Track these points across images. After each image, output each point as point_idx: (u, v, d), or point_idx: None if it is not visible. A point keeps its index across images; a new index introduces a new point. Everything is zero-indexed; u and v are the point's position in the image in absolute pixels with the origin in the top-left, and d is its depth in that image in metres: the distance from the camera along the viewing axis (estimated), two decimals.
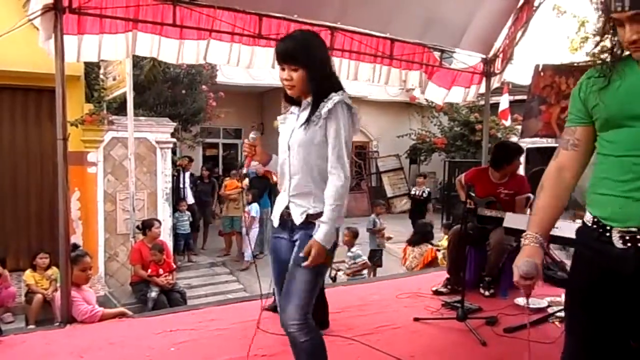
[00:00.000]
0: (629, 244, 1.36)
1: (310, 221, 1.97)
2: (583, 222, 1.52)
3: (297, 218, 1.99)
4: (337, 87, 2.00)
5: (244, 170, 2.22)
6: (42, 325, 4.44)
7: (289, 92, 2.00)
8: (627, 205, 1.37)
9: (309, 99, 1.98)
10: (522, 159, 6.90)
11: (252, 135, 2.11)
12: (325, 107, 1.92)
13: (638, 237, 1.35)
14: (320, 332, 2.06)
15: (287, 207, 2.03)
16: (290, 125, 2.06)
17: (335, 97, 1.93)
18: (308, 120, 1.95)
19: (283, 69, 1.97)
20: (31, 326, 4.98)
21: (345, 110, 1.95)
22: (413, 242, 6.46)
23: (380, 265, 7.71)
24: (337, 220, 1.94)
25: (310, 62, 1.93)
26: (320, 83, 1.96)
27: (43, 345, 2.91)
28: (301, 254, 1.93)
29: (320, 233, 1.90)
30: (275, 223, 2.10)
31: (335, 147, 1.93)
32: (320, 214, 1.94)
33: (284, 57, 1.96)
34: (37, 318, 5.33)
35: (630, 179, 1.37)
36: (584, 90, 1.52)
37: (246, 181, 9.41)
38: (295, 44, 1.98)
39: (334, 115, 1.92)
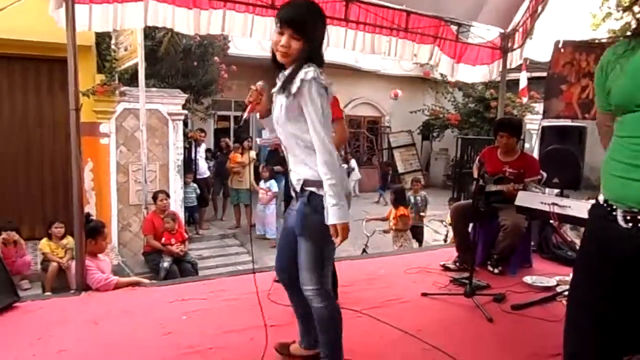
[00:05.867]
0: (630, 224, 1.39)
1: (304, 188, 2.02)
2: (596, 200, 1.53)
3: (296, 185, 2.06)
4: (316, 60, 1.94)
5: (244, 116, 2.15)
6: (58, 292, 4.55)
7: (281, 58, 1.94)
8: (627, 186, 1.40)
9: (287, 72, 1.95)
10: (536, 137, 6.81)
11: (260, 83, 2.04)
12: (293, 84, 1.88)
13: (639, 217, 1.37)
14: (335, 306, 2.15)
15: (290, 178, 2.12)
16: (276, 100, 2.05)
17: (302, 73, 1.87)
18: (282, 96, 1.94)
19: (282, 34, 1.90)
20: (47, 293, 5.11)
21: (312, 87, 1.86)
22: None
23: (419, 240, 7.66)
24: (341, 194, 1.88)
25: (313, 37, 1.92)
26: (307, 59, 1.91)
27: (59, 312, 3.00)
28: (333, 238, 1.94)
29: (331, 215, 1.87)
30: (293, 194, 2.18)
31: (312, 128, 1.89)
32: (314, 182, 1.96)
33: (290, 23, 1.88)
34: (53, 286, 5.45)
35: (631, 160, 1.39)
36: (604, 76, 1.52)
37: (253, 154, 9.36)
38: (305, 14, 1.91)
39: (303, 94, 1.87)
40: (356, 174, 13.34)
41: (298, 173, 2.04)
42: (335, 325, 2.13)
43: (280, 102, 1.99)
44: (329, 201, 1.87)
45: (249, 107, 2.09)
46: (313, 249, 2.02)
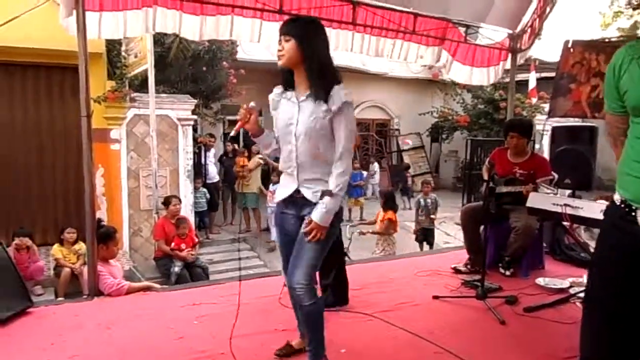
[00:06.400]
0: None
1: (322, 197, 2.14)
2: (612, 200, 1.51)
3: (312, 197, 2.14)
4: (335, 77, 2.12)
5: (232, 134, 2.29)
6: (71, 297, 4.59)
7: (278, 62, 2.12)
8: None
9: (310, 91, 2.09)
10: (547, 138, 6.75)
11: (252, 104, 2.21)
12: (334, 104, 2.05)
13: None
14: (322, 302, 2.31)
15: (298, 191, 2.18)
16: (289, 112, 2.16)
17: (341, 94, 2.06)
18: (314, 112, 2.08)
19: (279, 43, 2.11)
20: (60, 299, 5.15)
21: (350, 108, 2.10)
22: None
23: (429, 243, 7.63)
24: (338, 205, 2.13)
25: (303, 35, 2.07)
26: (317, 59, 2.07)
27: (72, 317, 3.02)
28: (305, 230, 2.12)
29: (317, 215, 2.08)
30: (280, 199, 2.27)
31: (343, 142, 2.09)
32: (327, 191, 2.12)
33: (281, 31, 2.12)
34: (66, 291, 5.50)
35: None
36: (617, 76, 1.48)
37: (257, 159, 9.38)
38: (293, 19, 2.22)
39: (343, 113, 2.07)
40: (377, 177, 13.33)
41: (313, 188, 2.14)
42: (321, 319, 2.23)
43: (307, 116, 2.09)
44: (325, 205, 2.08)
45: (237, 124, 2.22)
46: (319, 249, 2.13)
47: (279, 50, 2.11)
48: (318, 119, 2.07)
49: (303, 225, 2.14)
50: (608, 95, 1.55)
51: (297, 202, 2.20)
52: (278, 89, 2.25)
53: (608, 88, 1.54)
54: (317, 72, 2.07)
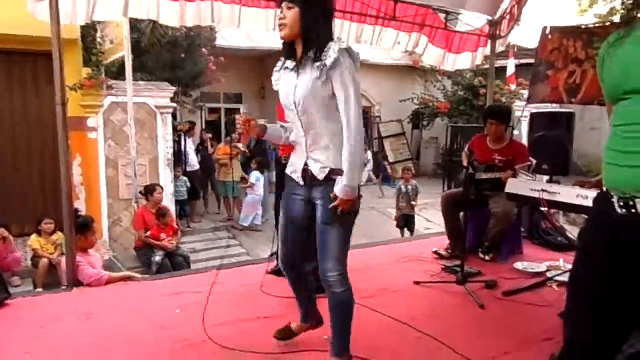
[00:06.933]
0: (624, 210, 1.42)
1: (331, 177, 2.00)
2: (601, 188, 1.57)
3: (318, 174, 2.02)
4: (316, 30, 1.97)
5: (241, 147, 2.22)
6: (50, 288, 4.52)
7: (280, 33, 1.98)
8: (619, 173, 1.43)
9: (310, 53, 1.95)
10: (526, 124, 6.84)
11: (242, 111, 2.11)
12: (328, 58, 1.88)
13: (631, 203, 1.40)
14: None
15: (306, 164, 2.06)
16: (290, 81, 2.05)
17: (334, 46, 1.89)
18: (312, 74, 1.94)
19: (281, 11, 1.97)
20: (39, 290, 5.08)
21: (347, 58, 1.90)
22: None
23: (410, 229, 7.69)
24: (359, 172, 1.97)
25: (307, 4, 1.93)
26: (316, 30, 1.94)
27: (50, 308, 2.98)
28: (329, 206, 1.98)
29: (339, 189, 1.94)
30: (296, 179, 2.11)
31: (349, 98, 1.90)
32: (341, 170, 1.96)
33: None
34: (44, 282, 5.41)
35: (621, 147, 1.42)
36: (601, 68, 1.56)
37: (241, 146, 9.36)
38: None
39: (341, 65, 1.88)
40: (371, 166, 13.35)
41: (322, 161, 2.01)
42: (352, 310, 2.14)
43: (305, 80, 1.96)
44: (345, 177, 1.92)
45: (242, 138, 2.11)
46: (342, 237, 2.03)
47: (280, 19, 1.97)
48: (315, 80, 1.92)
49: (322, 210, 2.01)
50: (601, 85, 1.61)
51: (306, 180, 2.07)
52: (279, 65, 2.14)
53: (600, 80, 1.60)
54: (318, 41, 1.93)
